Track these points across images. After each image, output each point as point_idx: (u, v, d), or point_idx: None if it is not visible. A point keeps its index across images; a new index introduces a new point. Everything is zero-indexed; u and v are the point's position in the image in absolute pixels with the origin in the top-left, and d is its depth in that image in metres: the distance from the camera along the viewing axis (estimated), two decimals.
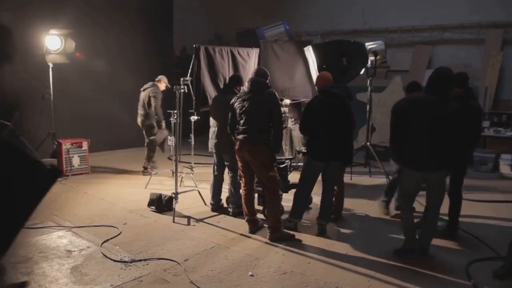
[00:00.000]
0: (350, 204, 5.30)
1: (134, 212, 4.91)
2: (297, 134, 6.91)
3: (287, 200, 4.68)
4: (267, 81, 4.26)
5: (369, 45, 6.49)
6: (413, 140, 3.57)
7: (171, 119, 5.56)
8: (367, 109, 6.76)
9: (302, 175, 4.39)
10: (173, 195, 4.75)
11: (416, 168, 3.61)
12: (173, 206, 4.71)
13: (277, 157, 4.35)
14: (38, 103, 7.05)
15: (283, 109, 6.44)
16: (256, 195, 4.55)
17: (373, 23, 9.85)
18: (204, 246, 3.93)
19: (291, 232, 4.20)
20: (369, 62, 6.41)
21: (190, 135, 6.05)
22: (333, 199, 4.49)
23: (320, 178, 4.36)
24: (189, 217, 4.72)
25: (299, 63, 6.94)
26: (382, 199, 5.06)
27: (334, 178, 4.35)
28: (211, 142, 4.87)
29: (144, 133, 6.72)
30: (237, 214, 4.72)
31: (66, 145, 6.58)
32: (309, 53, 6.44)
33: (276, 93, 4.17)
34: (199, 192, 5.24)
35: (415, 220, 3.88)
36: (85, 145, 6.78)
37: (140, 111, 6.60)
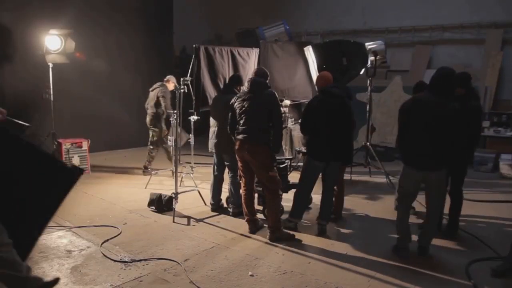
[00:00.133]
0: (350, 204, 5.31)
1: (134, 212, 4.91)
2: (297, 134, 6.91)
3: (287, 200, 4.68)
4: (267, 81, 4.26)
5: (369, 45, 6.49)
6: (413, 139, 3.60)
7: (171, 119, 5.56)
8: (367, 109, 6.76)
9: (302, 175, 4.39)
10: (173, 195, 4.75)
11: (415, 167, 3.62)
12: (173, 206, 4.71)
13: (277, 157, 4.35)
14: (38, 103, 7.04)
15: (283, 109, 6.44)
16: (256, 195, 4.55)
17: (373, 23, 9.85)
18: (204, 246, 3.93)
19: (291, 232, 4.20)
20: (369, 62, 6.41)
21: (190, 135, 6.06)
22: (333, 199, 4.49)
23: (320, 178, 4.36)
24: (189, 217, 4.72)
25: (299, 64, 6.94)
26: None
27: (334, 178, 4.35)
28: (211, 142, 4.87)
29: (150, 132, 6.71)
30: (237, 214, 4.72)
31: (66, 145, 6.59)
32: (309, 53, 6.45)
33: (276, 93, 4.17)
34: (199, 192, 5.24)
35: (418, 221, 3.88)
36: (85, 145, 6.79)
37: (149, 111, 6.62)
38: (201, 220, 4.66)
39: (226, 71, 6.03)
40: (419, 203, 4.76)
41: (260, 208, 4.79)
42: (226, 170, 4.86)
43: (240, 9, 11.19)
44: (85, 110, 7.80)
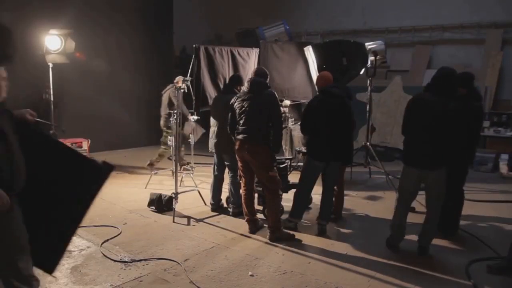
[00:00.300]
0: (350, 204, 5.31)
1: (134, 212, 4.91)
2: (297, 134, 6.91)
3: (287, 200, 4.68)
4: (267, 81, 4.26)
5: (369, 45, 6.49)
6: (413, 138, 3.65)
7: (171, 119, 5.56)
8: (367, 109, 6.76)
9: (302, 175, 4.39)
10: (173, 195, 4.75)
11: (414, 165, 3.66)
12: (173, 206, 4.71)
13: (277, 157, 4.35)
14: (38, 103, 7.04)
15: (283, 109, 6.44)
16: (256, 195, 4.55)
17: (373, 23, 9.84)
18: (204, 246, 3.93)
19: (291, 232, 4.20)
20: (369, 62, 6.41)
21: (190, 135, 6.06)
22: (333, 199, 4.49)
23: (320, 178, 4.36)
24: (189, 217, 4.72)
25: (299, 64, 6.95)
26: None
27: (334, 178, 4.35)
28: (211, 141, 4.88)
29: (163, 133, 6.73)
30: (237, 214, 4.72)
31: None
32: (309, 53, 6.44)
33: (275, 93, 4.17)
34: (199, 192, 5.24)
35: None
36: (85, 145, 6.79)
37: (162, 112, 6.64)
38: (201, 220, 4.66)
39: (226, 71, 6.03)
40: (419, 203, 4.76)
41: (260, 208, 4.79)
42: (227, 170, 4.86)
43: (240, 9, 11.19)
44: (85, 110, 7.81)
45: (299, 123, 5.23)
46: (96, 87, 8.05)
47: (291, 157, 6.40)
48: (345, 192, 5.00)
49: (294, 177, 5.20)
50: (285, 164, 4.98)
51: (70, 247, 3.80)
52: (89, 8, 7.85)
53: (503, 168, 7.27)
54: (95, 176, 2.58)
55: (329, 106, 4.12)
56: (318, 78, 4.45)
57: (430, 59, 9.27)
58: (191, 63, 5.71)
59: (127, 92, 8.57)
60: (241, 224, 4.43)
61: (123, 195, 5.59)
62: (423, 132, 3.55)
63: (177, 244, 3.96)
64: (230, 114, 4.22)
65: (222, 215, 4.84)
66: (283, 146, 6.87)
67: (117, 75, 8.39)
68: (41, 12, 7.01)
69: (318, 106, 4.17)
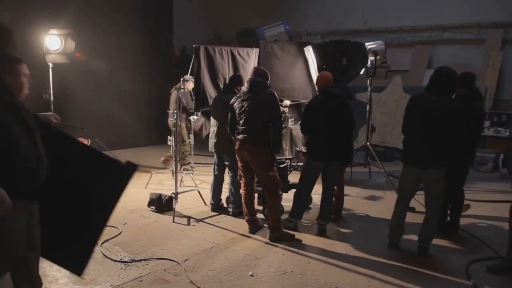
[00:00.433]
0: (350, 204, 5.31)
1: (134, 212, 4.91)
2: (298, 134, 6.91)
3: (287, 200, 4.68)
4: (268, 81, 4.26)
5: (369, 45, 6.49)
6: (411, 137, 3.68)
7: (171, 119, 5.56)
8: (367, 109, 6.76)
9: (302, 175, 4.39)
10: (173, 195, 4.75)
11: (413, 164, 3.68)
12: (173, 206, 4.71)
13: (277, 157, 4.35)
14: (38, 103, 7.04)
15: (283, 109, 6.44)
16: (256, 195, 4.55)
17: (373, 23, 9.84)
18: (204, 246, 3.93)
19: (291, 232, 4.20)
20: (369, 62, 6.41)
21: (190, 135, 6.06)
22: (333, 199, 4.49)
23: (320, 178, 4.36)
24: (189, 217, 4.72)
25: (299, 64, 6.94)
26: None
27: (334, 178, 4.35)
28: (211, 141, 4.88)
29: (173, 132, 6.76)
30: (237, 214, 4.72)
31: None
32: (309, 53, 6.45)
33: (275, 93, 4.17)
34: (199, 192, 5.24)
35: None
36: None
37: (170, 112, 6.65)
38: (201, 220, 4.66)
39: (226, 71, 6.03)
40: (419, 203, 4.76)
41: (260, 208, 4.79)
42: (227, 170, 4.86)
43: (240, 9, 11.19)
44: (85, 110, 7.80)
45: (299, 123, 5.23)
46: (96, 87, 8.04)
47: (291, 157, 6.40)
48: (345, 192, 5.00)
49: (294, 177, 5.20)
50: (285, 164, 4.98)
51: None
52: (89, 8, 7.85)
53: (503, 168, 7.27)
54: (120, 176, 2.60)
55: (329, 106, 4.12)
56: (318, 78, 4.45)
57: (430, 59, 9.26)
58: (191, 63, 5.71)
59: (127, 92, 8.56)
60: (241, 224, 4.43)
61: (123, 195, 5.58)
62: (422, 131, 3.57)
63: (177, 244, 3.96)
64: (230, 114, 4.22)
65: (222, 215, 4.84)
66: (283, 146, 6.87)
67: (117, 75, 8.39)
68: (41, 12, 7.01)
69: (318, 106, 4.17)
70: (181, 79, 5.54)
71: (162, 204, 4.91)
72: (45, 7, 7.10)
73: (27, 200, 2.24)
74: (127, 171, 2.62)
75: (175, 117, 5.34)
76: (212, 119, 4.95)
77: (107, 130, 8.28)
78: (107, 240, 3.98)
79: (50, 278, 3.20)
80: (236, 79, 4.76)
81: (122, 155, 8.89)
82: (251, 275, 3.34)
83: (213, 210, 4.97)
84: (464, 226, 4.47)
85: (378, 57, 6.42)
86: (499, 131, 7.97)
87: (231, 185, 4.75)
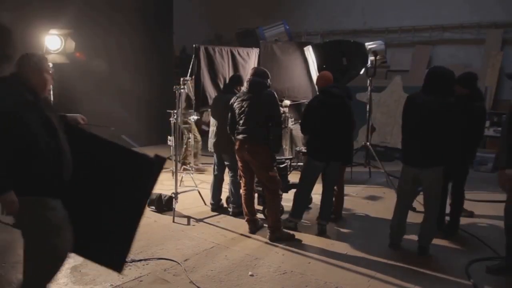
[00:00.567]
0: (350, 204, 5.30)
1: None
2: (298, 134, 6.91)
3: (287, 200, 4.68)
4: (268, 80, 4.26)
5: (369, 45, 6.49)
6: (408, 137, 3.72)
7: (171, 119, 5.56)
8: (367, 109, 6.76)
9: (302, 175, 4.39)
10: (173, 195, 4.75)
11: (410, 164, 3.72)
12: (173, 206, 4.71)
13: (277, 157, 4.35)
14: None
15: (283, 109, 6.44)
16: (256, 195, 4.55)
17: (373, 23, 9.84)
18: (204, 246, 3.93)
19: (291, 232, 4.20)
20: (369, 62, 6.41)
21: (190, 134, 6.06)
22: (333, 199, 4.49)
23: (320, 178, 4.36)
24: (189, 217, 4.72)
25: (299, 64, 6.94)
26: None
27: (334, 178, 4.35)
28: (211, 141, 4.88)
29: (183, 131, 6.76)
30: (237, 213, 4.72)
31: None
32: (309, 53, 6.45)
33: (275, 93, 4.17)
34: (199, 192, 5.24)
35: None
36: None
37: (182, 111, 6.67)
38: (201, 220, 4.66)
39: (226, 71, 6.03)
40: (419, 203, 4.75)
41: (260, 208, 4.78)
42: (227, 169, 4.86)
43: (240, 9, 11.19)
44: (85, 110, 7.73)
45: (299, 123, 5.23)
46: (96, 87, 8.04)
47: (291, 157, 6.40)
48: (345, 192, 5.00)
49: (294, 177, 5.21)
50: (285, 164, 4.98)
51: None
52: (89, 8, 7.84)
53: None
54: (149, 169, 2.65)
55: (329, 106, 4.12)
56: (318, 78, 4.46)
57: (430, 59, 9.26)
58: (191, 63, 5.71)
59: (127, 92, 8.56)
60: (241, 224, 4.43)
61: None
62: (417, 131, 3.62)
63: (177, 244, 3.96)
64: (230, 114, 4.22)
65: (222, 215, 4.84)
66: (283, 146, 6.87)
67: (117, 75, 8.38)
68: (41, 12, 7.01)
69: (318, 106, 4.17)
70: (181, 79, 5.54)
71: (162, 204, 4.91)
72: (45, 7, 7.10)
73: (46, 197, 2.26)
74: (156, 164, 2.67)
75: (175, 117, 5.35)
76: (211, 119, 4.95)
77: (107, 130, 8.30)
78: None
79: None
80: (236, 79, 4.76)
81: None
82: (251, 275, 3.34)
83: (213, 210, 4.97)
84: (464, 226, 4.47)
85: (378, 57, 6.42)
86: (499, 131, 7.96)
87: (231, 184, 4.75)
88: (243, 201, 4.30)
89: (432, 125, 3.51)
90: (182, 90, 5.10)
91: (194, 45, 5.72)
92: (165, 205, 4.90)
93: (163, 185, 6.09)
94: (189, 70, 5.76)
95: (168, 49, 10.04)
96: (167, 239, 4.09)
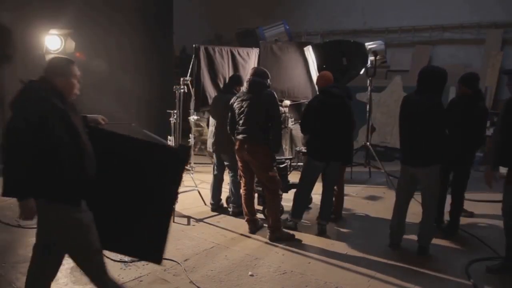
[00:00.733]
0: (350, 204, 5.31)
1: None
2: (298, 134, 6.91)
3: (287, 200, 4.68)
4: (268, 80, 4.26)
5: (369, 45, 6.49)
6: (403, 136, 3.79)
7: (171, 119, 5.56)
8: (367, 109, 6.76)
9: (302, 175, 4.39)
10: None
11: (406, 163, 3.76)
12: (173, 206, 4.70)
13: (277, 157, 4.35)
14: None
15: (283, 109, 6.44)
16: (256, 195, 4.55)
17: (373, 23, 9.84)
18: (204, 246, 3.93)
19: (291, 232, 4.20)
20: (369, 62, 6.41)
21: (190, 135, 6.06)
22: (333, 199, 4.49)
23: (320, 178, 4.36)
24: (189, 217, 4.72)
25: (299, 64, 6.94)
26: None
27: (334, 178, 4.35)
28: (209, 141, 4.88)
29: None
30: (238, 213, 4.72)
31: None
32: (309, 53, 6.45)
33: (274, 93, 4.17)
34: (199, 192, 5.24)
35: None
36: None
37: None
38: (201, 220, 4.66)
39: (226, 71, 6.03)
40: (419, 202, 4.75)
41: (260, 208, 4.78)
42: (227, 169, 4.86)
43: (240, 9, 11.19)
44: (84, 110, 7.75)
45: (299, 123, 5.23)
46: (96, 87, 8.01)
47: (291, 157, 6.40)
48: (345, 192, 5.00)
49: (294, 177, 5.21)
50: (285, 164, 4.97)
51: None
52: (89, 8, 7.83)
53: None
54: (175, 159, 2.73)
55: (329, 106, 4.12)
56: (318, 78, 4.46)
57: (430, 59, 9.26)
58: (191, 63, 5.71)
59: (127, 92, 8.55)
60: (241, 224, 4.43)
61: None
62: (410, 130, 3.68)
63: (177, 244, 3.95)
64: (230, 114, 4.22)
65: (222, 215, 4.84)
66: (283, 146, 6.87)
67: (117, 75, 8.37)
68: (41, 12, 7.00)
69: (318, 106, 4.17)
70: (181, 79, 5.53)
71: None
72: (45, 7, 7.09)
73: (75, 200, 2.32)
74: (181, 153, 2.77)
75: (175, 117, 5.35)
76: (210, 118, 4.95)
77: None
78: None
79: None
80: (236, 79, 4.76)
81: None
82: (251, 275, 3.34)
83: (213, 210, 4.97)
84: (464, 226, 4.47)
85: (378, 57, 6.43)
86: None
87: (232, 184, 4.75)
88: (243, 201, 4.30)
89: (422, 124, 3.57)
90: (181, 90, 5.09)
91: (194, 45, 5.72)
92: None
93: None
94: (189, 70, 5.76)
95: (168, 49, 10.02)
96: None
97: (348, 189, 5.63)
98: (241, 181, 4.35)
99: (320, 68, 6.02)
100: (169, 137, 6.04)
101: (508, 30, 8.42)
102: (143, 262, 3.51)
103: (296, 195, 4.39)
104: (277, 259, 3.69)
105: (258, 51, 6.66)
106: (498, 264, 3.51)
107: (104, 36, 8.18)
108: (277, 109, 4.11)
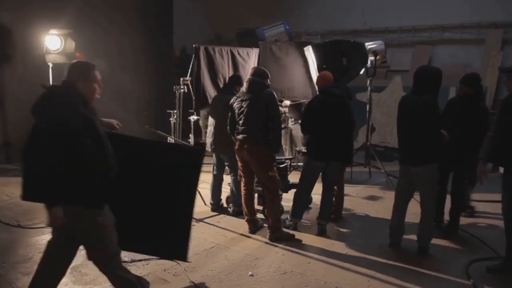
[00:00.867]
0: (350, 204, 5.30)
1: None
2: (298, 134, 6.91)
3: (287, 200, 4.68)
4: (268, 80, 4.26)
5: (369, 45, 6.49)
6: (400, 136, 3.83)
7: (171, 119, 5.56)
8: (367, 109, 6.76)
9: (302, 175, 4.39)
10: None
11: (404, 163, 3.78)
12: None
13: (277, 157, 4.35)
14: None
15: (283, 109, 6.44)
16: (256, 195, 4.55)
17: (373, 23, 9.84)
18: (204, 246, 3.93)
19: (291, 232, 4.20)
20: (369, 62, 6.41)
21: (190, 135, 6.05)
22: (333, 199, 4.49)
23: (320, 178, 4.36)
24: None
25: (299, 64, 6.94)
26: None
27: (334, 178, 4.35)
28: (209, 141, 4.88)
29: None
30: (238, 213, 4.72)
31: None
32: (309, 53, 6.44)
33: (274, 93, 4.17)
34: (199, 192, 5.21)
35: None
36: None
37: (202, 113, 6.67)
38: (201, 220, 4.66)
39: (226, 71, 6.04)
40: (418, 202, 4.75)
41: (260, 208, 4.78)
42: (226, 169, 4.86)
43: (240, 9, 11.19)
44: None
45: (299, 123, 5.23)
46: None
47: (291, 157, 6.40)
48: (345, 192, 5.00)
49: (294, 177, 5.21)
50: (285, 164, 4.97)
51: None
52: (89, 8, 7.84)
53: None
54: (192, 157, 2.80)
55: (329, 106, 4.12)
56: (318, 78, 4.46)
57: (430, 59, 9.26)
58: (191, 63, 5.71)
59: (127, 92, 8.55)
60: (241, 224, 4.43)
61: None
62: (406, 130, 3.72)
63: None
64: (229, 114, 4.22)
65: (222, 215, 4.84)
66: (283, 146, 6.87)
67: (117, 75, 8.36)
68: (41, 12, 7.01)
69: (318, 106, 4.17)
70: (181, 79, 5.54)
71: None
72: (45, 7, 7.10)
73: (98, 204, 2.34)
74: (197, 151, 2.84)
75: (175, 117, 5.35)
76: (210, 118, 4.95)
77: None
78: None
79: None
80: (236, 79, 4.76)
81: None
82: (251, 275, 3.34)
83: (213, 210, 4.97)
84: (464, 226, 4.47)
85: (378, 57, 6.42)
86: None
87: (233, 184, 4.74)
88: (243, 201, 4.30)
89: (419, 124, 3.60)
90: (181, 90, 5.10)
91: (194, 45, 5.73)
92: None
93: None
94: (189, 70, 5.76)
95: (168, 49, 10.03)
96: None
97: (348, 189, 5.63)
98: (241, 181, 4.35)
99: (320, 68, 6.02)
100: (169, 137, 6.05)
101: (508, 30, 8.42)
102: (143, 262, 3.52)
103: (296, 195, 4.39)
104: (277, 259, 3.69)
105: (258, 51, 6.66)
106: (498, 264, 3.50)
107: (104, 36, 8.18)
108: (277, 109, 4.11)
